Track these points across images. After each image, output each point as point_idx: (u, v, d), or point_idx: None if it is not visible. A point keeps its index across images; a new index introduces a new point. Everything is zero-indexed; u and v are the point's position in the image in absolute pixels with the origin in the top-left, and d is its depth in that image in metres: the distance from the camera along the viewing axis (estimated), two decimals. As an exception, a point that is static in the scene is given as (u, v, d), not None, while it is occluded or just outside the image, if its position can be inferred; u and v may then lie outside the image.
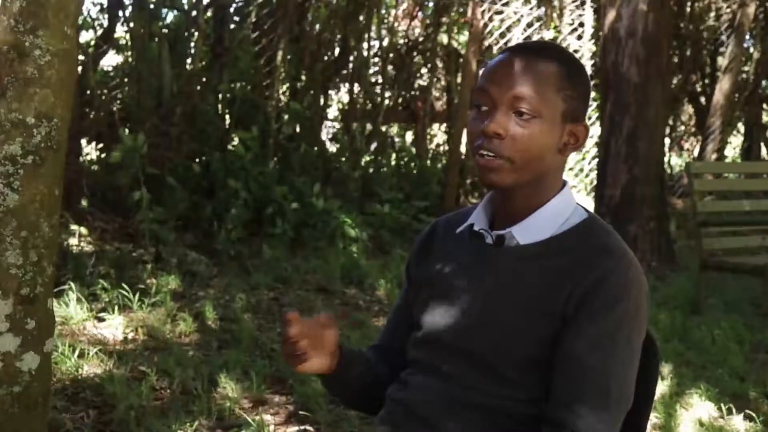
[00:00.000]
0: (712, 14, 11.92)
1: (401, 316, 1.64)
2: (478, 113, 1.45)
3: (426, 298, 1.57)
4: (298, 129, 7.14)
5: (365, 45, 8.00)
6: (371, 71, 8.33)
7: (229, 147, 6.50)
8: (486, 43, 8.23)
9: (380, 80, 8.39)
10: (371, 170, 7.71)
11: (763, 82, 12.48)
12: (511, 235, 1.49)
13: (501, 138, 1.42)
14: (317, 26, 7.58)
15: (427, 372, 1.51)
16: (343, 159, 7.55)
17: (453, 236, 1.58)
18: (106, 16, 6.55)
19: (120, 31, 6.64)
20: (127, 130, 5.36)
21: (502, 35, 8.43)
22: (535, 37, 8.62)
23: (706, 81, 12.23)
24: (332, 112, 8.48)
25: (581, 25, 9.03)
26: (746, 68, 11.85)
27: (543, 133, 1.43)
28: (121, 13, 6.45)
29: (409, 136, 9.09)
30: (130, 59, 6.47)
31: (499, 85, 1.43)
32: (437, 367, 1.50)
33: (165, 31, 6.37)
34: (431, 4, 8.98)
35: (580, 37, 9.02)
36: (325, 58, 7.79)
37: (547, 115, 1.43)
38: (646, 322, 1.47)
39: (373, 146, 8.15)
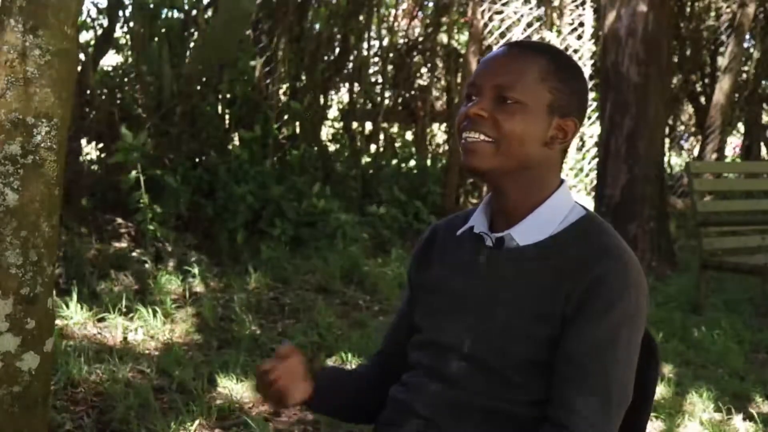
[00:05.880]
0: (712, 14, 11.92)
1: (403, 321, 1.65)
2: (467, 102, 1.48)
3: (427, 302, 1.57)
4: (298, 129, 7.14)
5: (365, 45, 8.00)
6: (371, 71, 8.32)
7: (230, 147, 6.50)
8: (486, 43, 8.23)
9: (380, 80, 8.38)
10: (371, 170, 7.70)
11: (763, 82, 12.48)
12: (510, 237, 1.49)
13: (483, 119, 1.44)
14: (317, 26, 7.58)
15: (430, 375, 1.51)
16: (343, 159, 7.55)
17: (453, 239, 1.58)
18: (106, 16, 6.55)
19: (120, 31, 6.64)
20: (128, 130, 5.34)
21: (502, 35, 8.42)
22: (535, 37, 8.62)
23: (706, 81, 12.24)
24: (332, 112, 8.48)
25: (581, 25, 9.03)
26: (746, 68, 11.85)
27: (526, 121, 1.44)
28: (121, 13, 6.45)
29: (409, 136, 9.08)
30: (130, 59, 6.47)
31: (486, 74, 1.47)
32: (439, 369, 1.50)
33: (165, 30, 6.36)
34: (431, 4, 8.98)
35: (580, 37, 9.02)
36: (325, 58, 7.79)
37: (531, 105, 1.44)
38: (645, 321, 1.47)
39: (373, 146, 8.15)
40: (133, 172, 5.21)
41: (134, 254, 5.19)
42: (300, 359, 1.54)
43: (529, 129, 1.44)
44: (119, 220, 5.72)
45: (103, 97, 6.29)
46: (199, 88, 6.46)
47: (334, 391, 1.62)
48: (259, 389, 1.54)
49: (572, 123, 1.48)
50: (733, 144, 13.88)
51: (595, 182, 7.25)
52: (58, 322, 3.70)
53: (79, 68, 5.59)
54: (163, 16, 6.57)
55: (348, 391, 1.65)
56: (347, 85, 8.12)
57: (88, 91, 6.05)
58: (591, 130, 8.89)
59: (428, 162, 8.32)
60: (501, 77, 1.45)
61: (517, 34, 8.47)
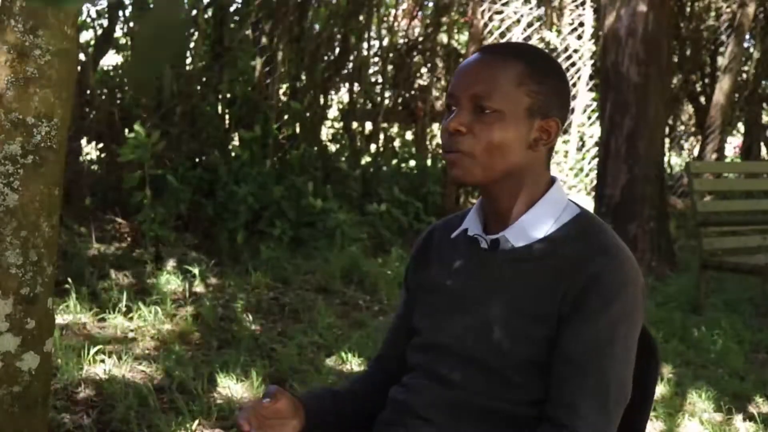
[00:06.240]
0: (712, 14, 11.93)
1: (401, 325, 1.64)
2: (448, 114, 1.48)
3: (425, 305, 1.57)
4: (298, 129, 7.14)
5: (365, 45, 8.01)
6: (371, 71, 8.33)
7: (230, 147, 6.50)
8: (486, 43, 8.23)
9: (380, 80, 8.39)
10: (371, 170, 7.71)
11: (763, 82, 12.49)
12: (505, 239, 1.49)
13: (462, 134, 1.43)
14: (317, 26, 7.58)
15: (429, 375, 1.51)
16: (343, 159, 7.55)
17: (449, 241, 1.58)
18: (106, 16, 6.56)
19: (120, 31, 6.65)
20: (140, 128, 5.31)
21: (502, 35, 8.43)
22: (535, 37, 8.63)
23: (706, 81, 12.24)
24: (332, 112, 8.48)
25: (581, 25, 9.03)
26: (746, 68, 11.86)
27: (505, 129, 1.43)
28: (121, 13, 6.45)
29: (409, 136, 9.09)
30: (130, 59, 6.48)
31: (462, 85, 1.46)
32: (438, 370, 1.50)
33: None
34: (431, 4, 8.98)
35: (580, 37, 9.02)
36: (325, 58, 7.79)
37: (509, 112, 1.43)
38: (643, 317, 1.47)
39: (373, 146, 8.15)
40: (139, 172, 5.21)
41: (134, 254, 5.19)
42: (285, 400, 1.48)
43: (510, 136, 1.43)
44: (119, 220, 5.72)
45: (103, 97, 6.30)
46: (199, 88, 6.47)
47: (327, 410, 1.59)
48: None
49: (554, 123, 1.47)
50: (734, 144, 13.89)
51: (595, 182, 7.25)
52: (58, 321, 3.70)
53: (79, 68, 5.59)
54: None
55: (344, 405, 1.62)
56: (347, 85, 8.13)
57: (88, 91, 6.05)
58: (591, 130, 8.89)
59: (428, 162, 8.33)
60: (476, 87, 1.44)
61: (517, 34, 8.48)
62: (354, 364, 3.82)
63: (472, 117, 1.44)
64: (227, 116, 6.72)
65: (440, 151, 8.85)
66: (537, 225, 1.47)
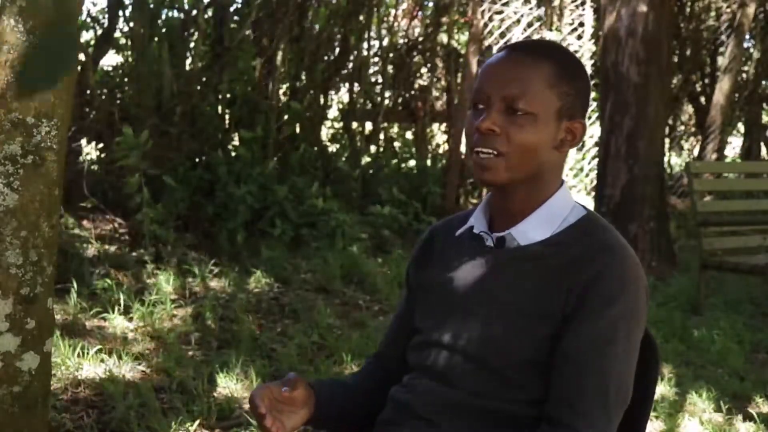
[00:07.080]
0: (712, 14, 11.92)
1: (402, 324, 1.64)
2: (476, 112, 1.46)
3: (427, 303, 1.57)
4: (298, 129, 7.14)
5: (365, 45, 8.01)
6: (371, 71, 8.33)
7: (230, 147, 6.50)
8: (486, 43, 8.23)
9: (380, 80, 8.39)
10: (371, 170, 7.70)
11: (763, 82, 12.48)
12: (511, 237, 1.49)
13: (495, 134, 1.43)
14: (317, 26, 7.58)
15: (430, 375, 1.51)
16: (343, 159, 7.55)
17: (452, 240, 1.58)
18: (106, 16, 6.55)
19: (120, 31, 6.65)
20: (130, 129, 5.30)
21: (502, 35, 8.42)
22: (535, 37, 8.62)
23: (706, 81, 12.23)
24: (332, 112, 8.48)
25: (581, 25, 9.03)
26: (746, 68, 11.85)
27: (538, 131, 1.43)
28: (121, 13, 6.45)
29: (409, 136, 9.09)
30: (130, 59, 6.48)
31: (494, 83, 1.45)
32: (439, 370, 1.50)
33: (165, 30, 6.37)
34: (431, 4, 8.98)
35: (580, 37, 9.02)
36: (325, 58, 7.79)
37: (541, 113, 1.43)
38: (646, 317, 1.47)
39: (373, 146, 8.15)
40: (136, 175, 5.20)
41: (134, 254, 5.19)
42: (302, 389, 1.49)
43: (541, 138, 1.44)
44: (119, 220, 5.72)
45: (103, 97, 6.30)
46: (199, 88, 6.47)
47: (336, 403, 1.58)
48: (256, 420, 1.50)
49: (580, 124, 1.48)
50: (734, 144, 13.88)
51: (595, 182, 7.25)
52: (58, 321, 3.70)
53: (79, 68, 5.59)
54: (163, 16, 6.58)
55: (349, 401, 1.62)
56: (347, 85, 8.13)
57: (88, 91, 6.05)
58: (591, 130, 8.88)
59: (428, 162, 8.32)
60: (509, 87, 1.43)
61: (517, 34, 8.47)
62: (354, 365, 3.82)
63: (504, 118, 1.43)
64: (227, 116, 6.72)
65: (440, 151, 8.86)
66: (544, 225, 1.48)
